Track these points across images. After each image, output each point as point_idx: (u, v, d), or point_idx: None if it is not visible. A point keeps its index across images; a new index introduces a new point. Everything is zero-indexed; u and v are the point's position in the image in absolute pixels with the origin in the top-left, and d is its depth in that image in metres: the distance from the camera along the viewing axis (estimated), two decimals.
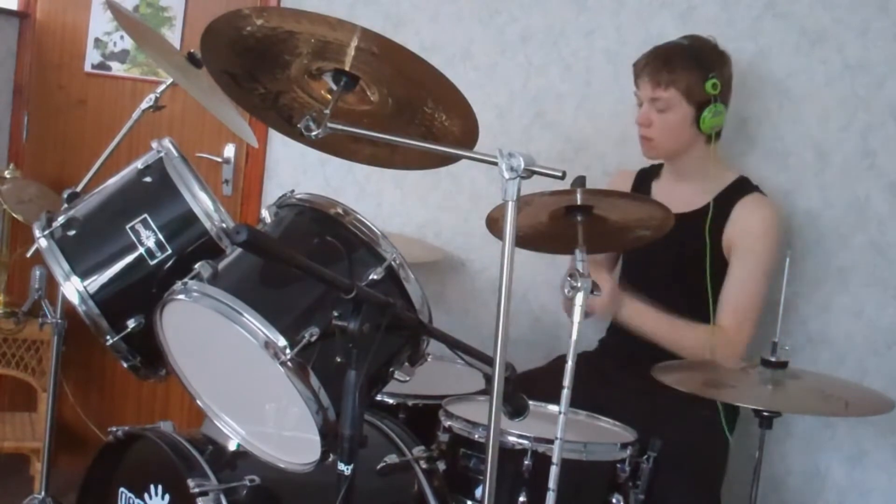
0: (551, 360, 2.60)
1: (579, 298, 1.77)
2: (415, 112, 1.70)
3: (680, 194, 2.46)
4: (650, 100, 2.40)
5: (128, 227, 1.89)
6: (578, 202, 1.91)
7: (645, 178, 2.63)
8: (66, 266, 1.89)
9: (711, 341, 2.33)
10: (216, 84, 1.77)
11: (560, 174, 1.48)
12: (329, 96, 1.69)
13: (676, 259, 2.42)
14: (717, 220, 2.42)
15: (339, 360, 1.53)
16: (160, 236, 1.88)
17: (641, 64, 2.43)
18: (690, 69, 2.37)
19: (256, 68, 1.69)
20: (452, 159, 1.80)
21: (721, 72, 2.40)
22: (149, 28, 2.68)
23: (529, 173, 1.47)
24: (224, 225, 1.89)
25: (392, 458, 2.01)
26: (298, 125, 1.61)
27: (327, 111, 1.61)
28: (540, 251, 2.34)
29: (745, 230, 2.42)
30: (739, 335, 2.38)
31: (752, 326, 2.39)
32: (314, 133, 1.59)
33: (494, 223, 2.10)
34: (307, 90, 1.74)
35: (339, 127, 1.61)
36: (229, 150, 3.28)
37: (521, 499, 1.96)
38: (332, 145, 1.87)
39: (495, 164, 1.48)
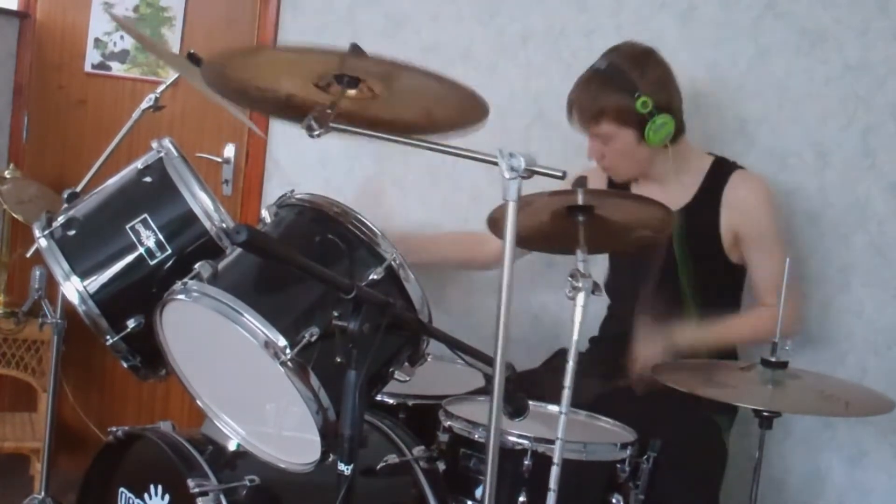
0: (546, 359, 2.59)
1: (580, 299, 1.76)
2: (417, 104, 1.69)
3: (659, 195, 2.41)
4: (591, 135, 2.39)
5: (128, 227, 1.89)
6: (580, 202, 1.91)
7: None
8: (66, 266, 1.89)
9: (766, 321, 2.27)
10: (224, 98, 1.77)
11: (560, 174, 1.48)
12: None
13: (667, 260, 2.40)
14: (707, 215, 2.41)
15: (339, 360, 1.53)
16: (160, 236, 1.88)
17: (569, 105, 2.40)
18: (614, 95, 2.31)
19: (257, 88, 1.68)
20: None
21: (646, 83, 2.31)
22: (146, 37, 2.67)
23: (530, 173, 1.48)
24: (224, 225, 1.89)
25: (392, 459, 2.01)
26: (301, 125, 1.61)
27: (330, 111, 1.61)
28: (541, 251, 2.33)
29: (745, 214, 2.40)
30: (793, 309, 2.33)
31: (796, 297, 2.39)
32: (316, 133, 1.59)
33: (495, 223, 2.10)
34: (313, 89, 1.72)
35: (342, 126, 1.61)
36: (229, 150, 3.28)
37: (521, 499, 1.96)
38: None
39: (496, 163, 1.48)
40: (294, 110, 1.74)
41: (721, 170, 2.46)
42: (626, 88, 2.30)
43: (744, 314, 2.44)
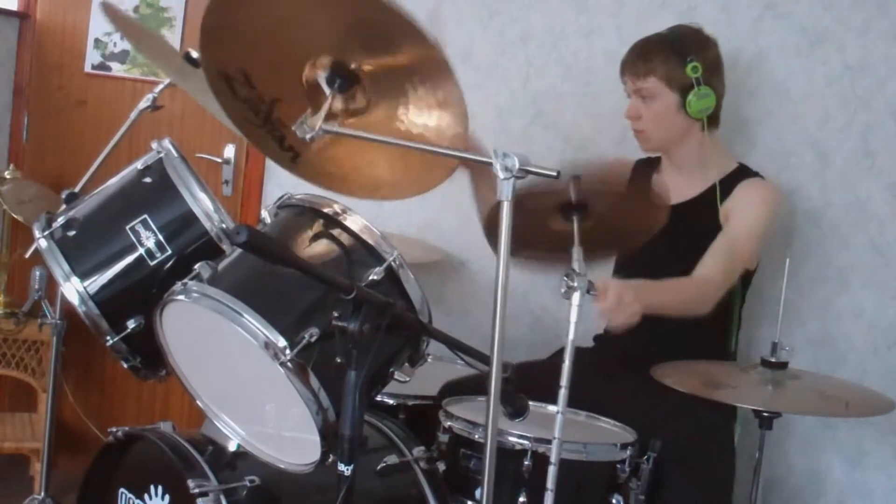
0: (551, 354, 2.59)
1: (576, 298, 1.76)
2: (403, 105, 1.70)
3: (681, 184, 2.45)
4: (634, 91, 2.43)
5: (128, 227, 1.89)
6: (573, 199, 1.89)
7: (643, 170, 2.60)
8: (66, 267, 1.89)
9: (698, 288, 2.24)
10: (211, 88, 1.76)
11: (555, 174, 1.48)
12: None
13: (685, 250, 2.39)
14: (711, 212, 2.41)
15: (338, 360, 1.53)
16: (160, 237, 1.88)
17: (623, 59, 2.46)
18: (667, 56, 2.38)
19: (256, 61, 1.68)
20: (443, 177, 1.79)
21: (701, 55, 2.39)
22: (145, 29, 2.68)
23: (524, 173, 1.48)
24: (224, 225, 1.89)
25: (392, 459, 2.01)
26: (293, 127, 1.61)
27: (321, 114, 1.61)
28: (542, 261, 2.31)
29: (739, 203, 2.42)
30: (715, 279, 2.27)
31: (724, 274, 2.29)
32: (308, 135, 1.59)
33: (491, 226, 2.08)
34: (303, 92, 1.72)
35: (333, 129, 1.61)
36: (229, 151, 3.28)
37: (521, 499, 1.96)
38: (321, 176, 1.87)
39: (490, 164, 1.48)
40: (269, 127, 1.74)
41: (740, 175, 2.48)
42: (681, 52, 2.37)
43: (681, 279, 2.29)
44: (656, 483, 2.08)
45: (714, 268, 2.30)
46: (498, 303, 1.50)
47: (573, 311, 1.77)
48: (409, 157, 1.75)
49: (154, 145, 1.95)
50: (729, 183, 2.45)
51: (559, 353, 2.52)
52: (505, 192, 1.48)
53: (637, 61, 2.41)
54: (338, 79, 1.63)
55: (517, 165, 1.47)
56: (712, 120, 2.42)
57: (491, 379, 1.51)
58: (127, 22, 2.45)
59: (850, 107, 2.68)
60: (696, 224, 2.40)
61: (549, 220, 1.97)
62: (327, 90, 1.65)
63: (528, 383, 1.84)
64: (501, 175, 1.47)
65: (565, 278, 1.78)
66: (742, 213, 2.40)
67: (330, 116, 1.64)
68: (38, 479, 2.74)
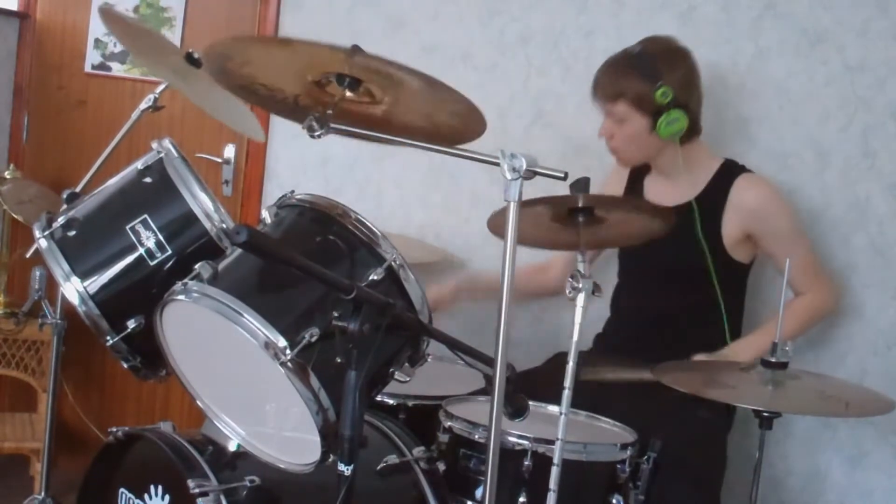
0: (548, 358, 2.60)
1: (580, 299, 1.76)
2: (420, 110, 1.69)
3: (669, 189, 2.48)
4: (606, 113, 2.43)
5: (128, 227, 1.89)
6: (579, 205, 1.90)
7: (638, 175, 2.63)
8: (66, 266, 1.89)
9: (813, 308, 2.50)
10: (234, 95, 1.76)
11: (562, 175, 1.49)
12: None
13: (673, 257, 2.42)
14: (710, 213, 2.43)
15: (339, 360, 1.53)
16: (160, 237, 1.88)
17: (594, 79, 2.44)
18: (637, 80, 2.35)
19: (263, 86, 1.68)
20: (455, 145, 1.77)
21: (672, 77, 2.34)
22: (145, 29, 2.67)
23: (532, 174, 1.48)
24: (224, 225, 1.89)
25: (392, 459, 2.01)
26: (302, 126, 1.61)
27: (330, 111, 1.61)
28: (541, 248, 2.34)
29: (756, 217, 2.43)
30: (829, 289, 2.56)
31: (826, 277, 2.58)
32: (317, 133, 1.59)
33: (497, 226, 2.09)
34: (319, 90, 1.72)
35: (343, 127, 1.61)
36: (229, 151, 3.28)
37: (521, 499, 1.97)
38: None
39: (497, 164, 1.48)
40: (300, 112, 1.74)
41: (729, 171, 2.49)
42: (651, 75, 2.34)
43: (789, 307, 2.36)
44: (655, 482, 2.08)
45: (821, 291, 2.53)
46: (503, 302, 1.50)
47: (577, 312, 1.76)
48: (441, 112, 1.71)
49: (154, 145, 1.95)
50: (722, 184, 2.46)
51: (556, 358, 2.56)
52: (512, 193, 1.48)
53: (606, 84, 2.40)
54: (347, 77, 1.63)
55: (524, 166, 1.47)
56: (690, 133, 2.41)
57: (495, 378, 1.51)
58: (126, 24, 2.44)
59: (850, 107, 2.68)
60: (689, 234, 2.40)
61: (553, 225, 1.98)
62: (337, 87, 1.64)
63: (528, 389, 1.84)
64: (509, 176, 1.47)
65: (570, 280, 1.78)
66: (775, 229, 2.45)
67: (340, 112, 1.63)
68: (38, 479, 2.74)
